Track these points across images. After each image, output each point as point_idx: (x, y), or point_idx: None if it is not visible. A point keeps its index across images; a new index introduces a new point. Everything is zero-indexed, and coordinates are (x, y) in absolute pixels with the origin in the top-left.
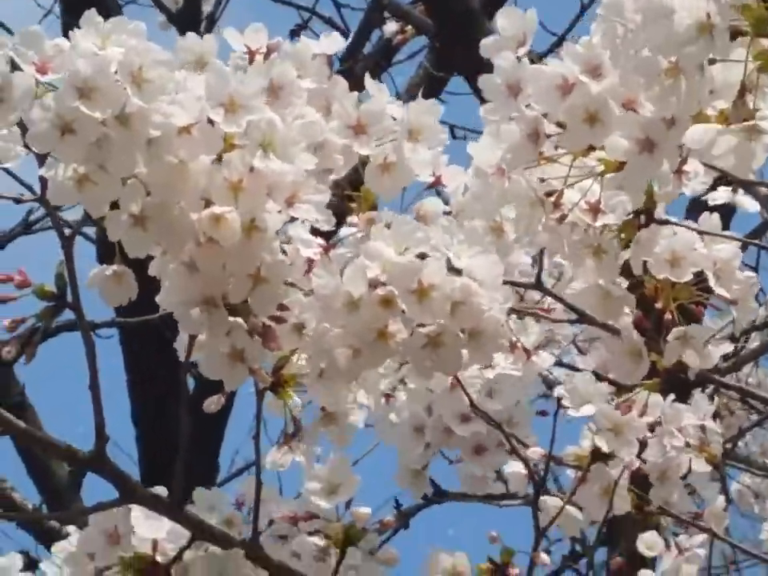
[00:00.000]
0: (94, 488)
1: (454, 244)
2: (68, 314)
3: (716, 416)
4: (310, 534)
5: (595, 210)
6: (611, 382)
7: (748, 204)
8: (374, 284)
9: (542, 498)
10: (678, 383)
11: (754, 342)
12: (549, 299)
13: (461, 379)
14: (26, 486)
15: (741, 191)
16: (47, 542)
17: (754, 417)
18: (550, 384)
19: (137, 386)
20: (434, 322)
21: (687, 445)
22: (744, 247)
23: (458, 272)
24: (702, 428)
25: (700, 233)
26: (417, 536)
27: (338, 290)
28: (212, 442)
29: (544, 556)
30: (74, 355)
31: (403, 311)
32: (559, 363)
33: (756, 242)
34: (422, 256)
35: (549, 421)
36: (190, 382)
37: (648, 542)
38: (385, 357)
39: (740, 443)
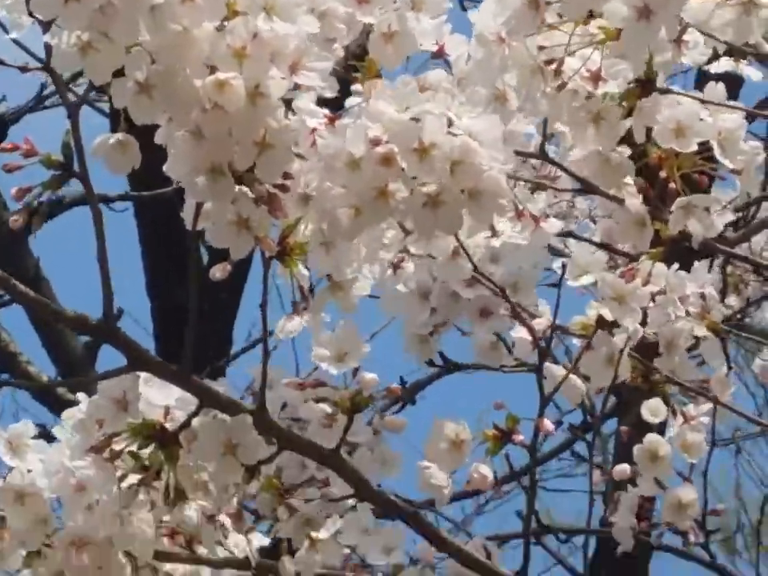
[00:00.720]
0: (109, 361)
1: (455, 105)
2: (80, 188)
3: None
4: (317, 401)
5: (596, 77)
6: (615, 251)
7: (752, 74)
8: (375, 143)
9: (547, 365)
10: (684, 253)
11: (765, 212)
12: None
13: (465, 246)
14: (42, 360)
15: (745, 61)
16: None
17: None
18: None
19: (151, 259)
20: (435, 181)
21: (688, 313)
22: (750, 118)
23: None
24: (703, 296)
25: (703, 102)
26: (425, 413)
27: (340, 150)
28: (226, 315)
29: (548, 423)
30: (90, 231)
31: (403, 170)
32: (572, 235)
33: (764, 112)
34: (423, 116)
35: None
36: (204, 257)
37: (652, 408)
38: (385, 215)
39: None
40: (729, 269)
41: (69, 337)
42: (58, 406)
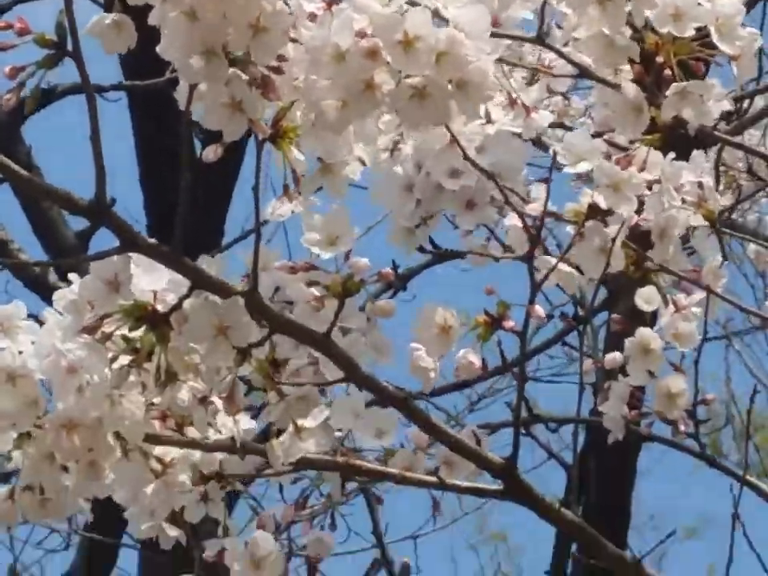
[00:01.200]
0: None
1: None
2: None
3: (718, 184)
4: (309, 285)
5: None
6: (611, 143)
7: None
8: (360, 36)
9: (539, 256)
10: (680, 143)
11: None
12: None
13: (460, 135)
14: (34, 249)
15: None
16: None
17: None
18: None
19: (144, 151)
20: (420, 73)
21: (684, 201)
22: (750, 5)
23: (445, 23)
24: (700, 185)
25: None
26: (417, 303)
27: (326, 42)
28: (219, 204)
29: (539, 309)
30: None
31: (389, 63)
32: (565, 127)
33: None
34: (409, 6)
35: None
36: (199, 149)
37: (645, 296)
38: (371, 108)
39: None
40: (722, 169)
41: (60, 225)
42: (50, 294)
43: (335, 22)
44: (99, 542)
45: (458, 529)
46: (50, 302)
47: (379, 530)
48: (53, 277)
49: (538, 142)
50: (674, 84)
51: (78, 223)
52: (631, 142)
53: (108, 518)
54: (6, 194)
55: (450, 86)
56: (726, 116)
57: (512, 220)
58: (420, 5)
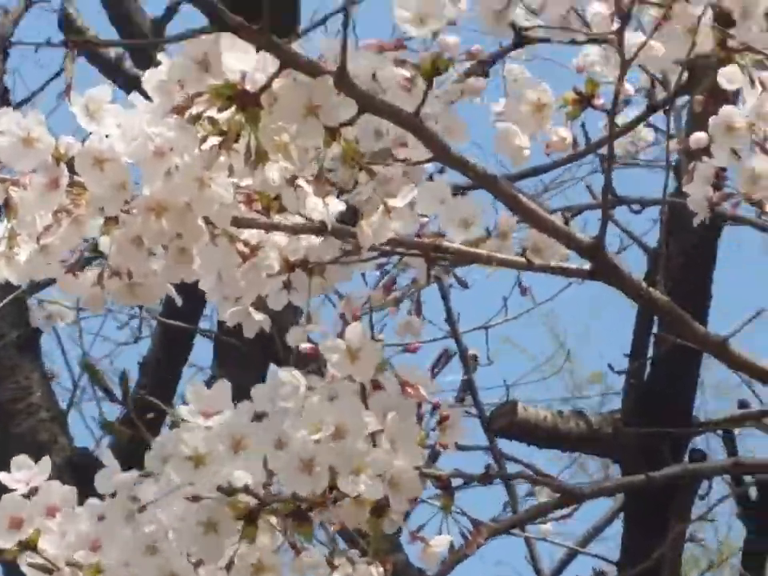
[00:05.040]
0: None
1: None
2: None
3: None
4: (397, 65)
5: None
6: None
7: None
8: None
9: (626, 35)
10: None
11: None
12: None
13: None
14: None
15: None
16: None
17: None
18: None
19: None
20: None
21: None
22: None
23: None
24: None
25: None
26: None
27: None
28: None
29: (628, 87)
30: None
31: None
32: None
33: None
34: None
35: None
36: None
37: (729, 75)
38: None
39: None
40: None
41: (138, 12)
42: (126, 82)
43: None
44: (173, 332)
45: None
46: (127, 90)
47: (453, 318)
48: (128, 63)
49: None
50: None
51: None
52: None
53: (183, 309)
54: None
55: None
56: None
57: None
58: None
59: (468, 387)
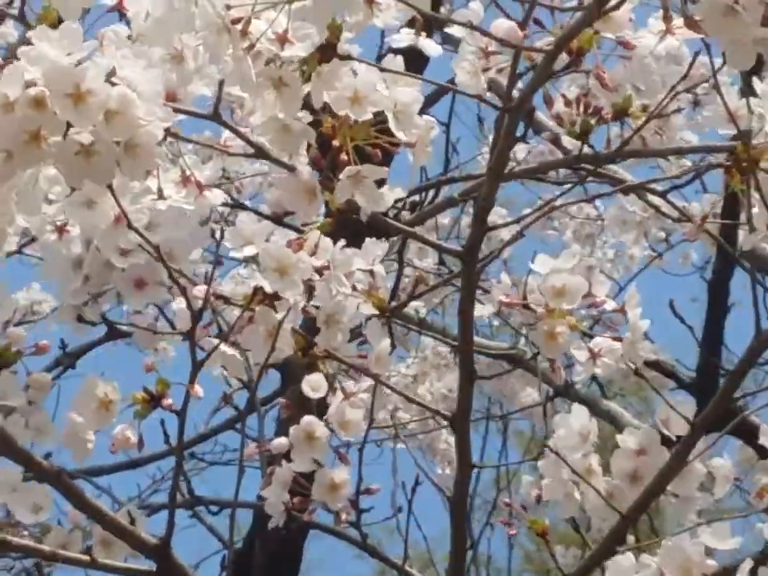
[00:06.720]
0: None
1: (118, 57)
2: None
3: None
4: None
5: (283, 40)
6: (284, 225)
7: (431, 48)
8: (29, 85)
9: (205, 337)
10: (359, 230)
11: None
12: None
13: (127, 212)
14: None
15: (423, 35)
16: None
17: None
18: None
19: None
20: (89, 129)
21: (354, 289)
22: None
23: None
24: (372, 273)
25: (382, 71)
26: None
27: None
28: None
29: (198, 388)
30: None
31: (57, 114)
32: (242, 206)
33: (449, 85)
34: (84, 62)
35: None
36: None
37: (312, 384)
38: (37, 160)
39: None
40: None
41: None
42: None
43: (5, 71)
44: None
45: None
46: None
47: None
48: None
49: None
50: (348, 167)
51: None
52: (304, 226)
53: None
54: None
55: (118, 147)
56: (412, 206)
57: (180, 304)
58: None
59: None
